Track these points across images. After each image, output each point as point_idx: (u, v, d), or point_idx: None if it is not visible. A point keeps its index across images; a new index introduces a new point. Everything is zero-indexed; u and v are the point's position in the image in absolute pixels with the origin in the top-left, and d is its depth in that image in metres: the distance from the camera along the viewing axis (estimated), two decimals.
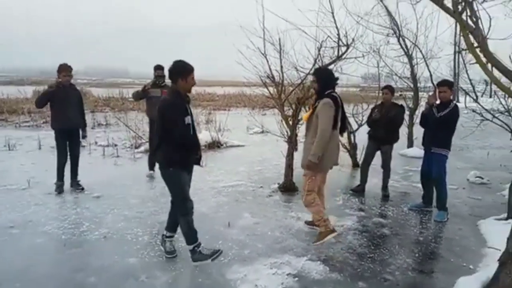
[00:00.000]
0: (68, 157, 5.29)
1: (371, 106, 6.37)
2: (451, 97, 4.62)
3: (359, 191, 5.64)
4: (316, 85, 3.78)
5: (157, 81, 6.07)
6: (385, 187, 5.50)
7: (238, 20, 5.58)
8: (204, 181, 6.01)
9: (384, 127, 5.26)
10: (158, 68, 6.14)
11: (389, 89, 5.48)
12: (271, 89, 5.85)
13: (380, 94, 5.55)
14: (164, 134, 3.18)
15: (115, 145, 8.66)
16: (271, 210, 4.78)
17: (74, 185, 5.31)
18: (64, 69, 5.04)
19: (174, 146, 3.16)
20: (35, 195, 5.08)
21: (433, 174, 4.62)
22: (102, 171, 6.56)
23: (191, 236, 3.34)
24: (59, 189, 5.12)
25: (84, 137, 5.44)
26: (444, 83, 4.58)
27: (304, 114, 4.20)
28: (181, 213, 3.35)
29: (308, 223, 4.22)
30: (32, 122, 12.62)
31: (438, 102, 4.53)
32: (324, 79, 3.77)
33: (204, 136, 9.08)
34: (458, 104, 4.58)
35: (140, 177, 5.81)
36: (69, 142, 5.25)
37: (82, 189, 5.28)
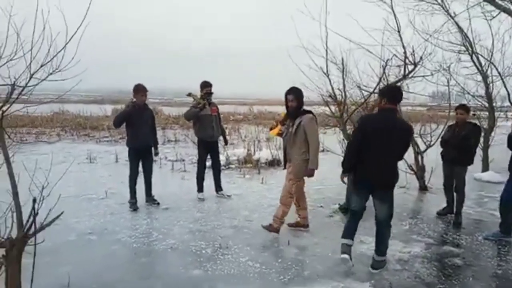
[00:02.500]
0: (142, 174, 5.55)
1: (441, 125, 6.03)
2: None
3: (446, 213, 5.40)
4: (294, 103, 4.24)
5: (205, 99, 5.76)
6: (457, 213, 5.11)
7: (301, 41, 5.67)
8: (264, 198, 6.10)
9: (456, 147, 4.98)
10: (207, 85, 5.85)
11: (464, 108, 5.15)
12: (332, 107, 5.83)
13: (454, 114, 5.25)
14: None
15: (183, 160, 9.15)
16: (331, 231, 4.69)
17: (150, 201, 5.58)
18: (140, 90, 5.29)
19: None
20: (111, 205, 5.54)
21: (503, 198, 4.24)
22: (170, 184, 6.96)
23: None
24: (134, 206, 5.36)
25: (156, 154, 5.74)
26: None
27: (272, 131, 4.64)
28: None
29: (290, 225, 4.68)
30: (111, 137, 13.84)
31: None
32: (301, 96, 4.30)
33: (264, 154, 9.25)
34: None
35: (204, 192, 6.06)
36: (142, 160, 5.49)
37: (158, 204, 5.53)
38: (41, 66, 2.24)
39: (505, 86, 7.89)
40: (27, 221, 2.13)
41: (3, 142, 2.26)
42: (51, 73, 2.30)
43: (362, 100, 5.63)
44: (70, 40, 2.21)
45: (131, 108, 5.26)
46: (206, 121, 5.80)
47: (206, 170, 6.12)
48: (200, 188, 6.02)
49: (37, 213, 2.14)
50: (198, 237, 4.38)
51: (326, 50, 5.49)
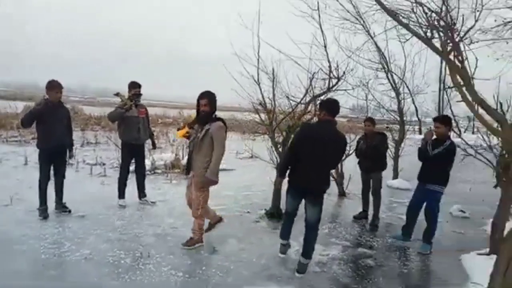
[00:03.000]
0: (53, 177, 5.06)
1: (358, 136, 6.52)
2: (448, 133, 4.57)
3: (361, 218, 5.81)
4: (207, 108, 3.99)
5: (133, 100, 5.47)
6: (375, 216, 5.59)
7: (234, 49, 5.72)
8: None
9: (370, 156, 5.54)
10: (135, 86, 5.59)
11: (371, 121, 5.78)
12: (262, 115, 5.96)
13: (363, 126, 5.91)
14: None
15: (103, 164, 8.58)
16: (257, 236, 4.76)
17: (59, 208, 5.11)
18: (54, 86, 4.82)
19: None
20: (17, 213, 4.96)
21: (427, 209, 4.64)
22: (88, 190, 6.46)
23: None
24: (44, 214, 4.86)
25: (71, 156, 5.27)
26: (437, 119, 4.66)
27: (179, 132, 4.32)
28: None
29: (206, 231, 4.46)
30: (20, 137, 12.45)
31: (434, 137, 4.61)
32: (215, 102, 4.05)
33: None
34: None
35: (126, 198, 5.73)
36: (54, 163, 5.02)
37: (69, 211, 5.08)
38: None
39: (414, 103, 8.84)
40: None
41: None
42: None
43: (290, 110, 5.84)
44: None
45: (43, 106, 4.71)
46: (132, 123, 5.52)
47: (130, 175, 5.80)
48: (122, 194, 5.67)
49: None
50: (117, 246, 4.11)
51: (258, 59, 5.60)
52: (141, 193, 5.87)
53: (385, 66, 8.78)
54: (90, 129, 16.67)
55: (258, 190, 7.22)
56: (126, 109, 5.38)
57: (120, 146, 5.80)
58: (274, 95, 5.73)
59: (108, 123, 17.42)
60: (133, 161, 5.80)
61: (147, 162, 8.00)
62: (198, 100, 4.05)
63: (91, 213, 5.12)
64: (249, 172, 9.21)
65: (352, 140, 7.48)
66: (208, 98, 4.02)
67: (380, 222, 5.63)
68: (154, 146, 6.18)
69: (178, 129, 4.37)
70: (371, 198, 5.73)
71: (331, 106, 3.77)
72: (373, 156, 5.53)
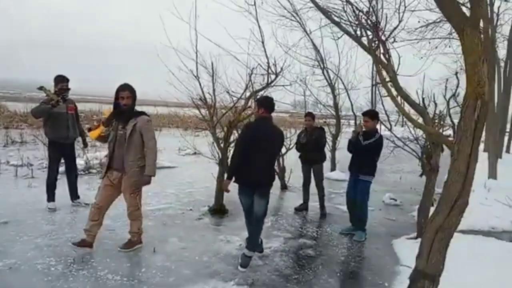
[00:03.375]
0: None
1: (299, 130, 6.72)
2: (376, 127, 4.91)
3: (302, 209, 6.00)
4: (129, 101, 3.82)
5: (60, 95, 5.12)
6: (322, 206, 5.88)
7: (171, 42, 5.55)
8: None
9: (311, 149, 5.77)
10: (63, 80, 5.23)
11: (311, 116, 6.05)
12: (203, 111, 5.88)
13: (303, 120, 6.13)
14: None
15: (31, 165, 7.89)
16: (200, 233, 4.70)
17: None
18: None
19: None
20: None
21: (358, 198, 4.90)
22: (12, 193, 5.91)
23: None
24: None
25: None
26: (366, 113, 5.00)
27: (92, 132, 3.97)
28: None
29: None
30: None
31: (364, 129, 4.89)
32: (136, 95, 3.88)
33: None
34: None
35: (57, 200, 5.33)
36: None
37: None
38: None
39: (349, 98, 9.29)
40: None
41: None
42: None
43: (231, 105, 5.83)
44: None
45: None
46: (60, 120, 5.13)
47: (60, 176, 5.40)
48: (51, 197, 5.24)
49: None
50: (47, 253, 3.81)
51: (196, 53, 5.51)
52: (73, 195, 5.49)
53: (321, 63, 9.12)
54: (15, 127, 15.26)
55: (201, 186, 7.14)
56: (53, 104, 5.00)
57: (47, 145, 5.36)
58: (214, 90, 5.68)
59: (35, 121, 16.08)
60: (63, 161, 5.41)
61: (81, 162, 7.53)
62: (117, 92, 3.79)
63: (16, 219, 4.68)
64: (191, 169, 9.06)
65: (292, 135, 7.71)
66: (129, 90, 3.82)
67: (318, 213, 5.88)
68: (85, 144, 5.82)
69: (90, 129, 3.97)
70: (311, 190, 5.95)
71: (269, 104, 3.93)
72: (314, 149, 5.75)
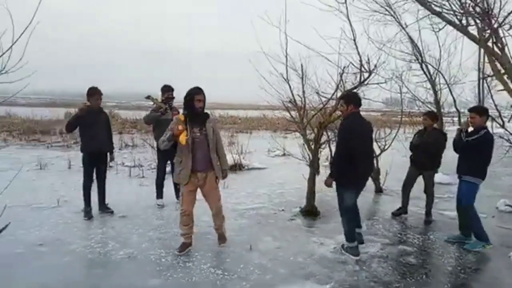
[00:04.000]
0: (95, 180, 5.33)
1: (394, 131, 6.34)
2: (484, 124, 4.39)
3: (400, 214, 5.65)
4: (203, 104, 3.96)
5: (166, 103, 5.69)
6: (428, 212, 5.46)
7: (262, 47, 5.73)
8: (226, 203, 6.03)
9: (424, 152, 5.30)
10: (169, 89, 5.79)
11: (429, 115, 5.52)
12: (293, 113, 5.94)
13: (421, 120, 5.70)
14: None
15: (141, 166, 8.87)
16: (293, 234, 4.75)
17: (103, 209, 5.35)
18: (95, 93, 5.12)
19: None
20: (63, 214, 5.25)
21: (462, 202, 4.49)
22: (127, 191, 6.72)
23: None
24: (88, 215, 5.11)
25: (111, 159, 5.51)
26: (473, 109, 4.50)
27: (182, 137, 3.86)
28: None
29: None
30: (63, 142, 13.14)
31: (471, 128, 4.44)
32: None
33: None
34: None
35: (164, 198, 5.91)
36: (96, 166, 5.28)
37: (112, 212, 5.31)
38: None
39: (451, 93, 8.47)
40: None
41: None
42: None
43: (321, 106, 5.78)
44: (16, 41, 2.07)
45: (84, 112, 5.02)
46: (167, 126, 5.67)
47: (166, 176, 5.98)
48: (160, 195, 5.85)
49: None
50: (158, 245, 4.25)
51: (286, 57, 5.59)
52: (178, 193, 6.01)
53: (419, 57, 8.47)
54: (127, 132, 17.29)
55: (292, 188, 7.20)
56: (162, 112, 5.55)
57: (156, 148, 5.97)
58: (303, 91, 5.69)
59: (143, 126, 18.02)
60: (169, 162, 5.96)
61: None
62: (192, 96, 3.90)
63: (131, 214, 5.32)
64: (281, 170, 9.20)
65: (387, 135, 7.31)
66: (203, 93, 3.97)
67: (419, 219, 5.47)
68: None
69: (175, 135, 3.90)
70: (412, 193, 5.55)
71: (358, 99, 4.12)
72: (427, 153, 5.26)
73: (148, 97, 5.78)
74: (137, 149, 12.31)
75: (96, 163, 5.26)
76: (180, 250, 4.06)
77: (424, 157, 5.31)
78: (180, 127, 3.85)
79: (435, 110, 8.70)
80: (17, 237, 4.28)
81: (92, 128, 5.08)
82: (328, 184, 4.09)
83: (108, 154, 5.42)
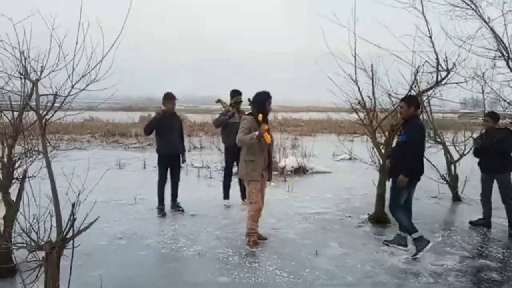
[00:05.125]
0: (169, 180, 5.65)
1: (475, 134, 5.84)
2: None
3: (480, 224, 5.20)
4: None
5: (235, 107, 5.94)
6: (511, 224, 4.92)
7: (329, 47, 5.62)
8: (291, 206, 6.05)
9: (491, 154, 4.89)
10: (237, 94, 6.05)
11: (491, 116, 5.09)
12: (361, 115, 5.74)
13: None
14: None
15: (209, 167, 9.24)
16: (360, 241, 4.59)
17: (175, 207, 5.66)
18: (170, 98, 5.49)
19: None
20: (140, 211, 5.66)
21: None
22: (197, 191, 7.04)
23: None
24: (162, 212, 5.44)
25: (183, 161, 5.83)
26: None
27: (267, 137, 4.19)
28: None
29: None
30: (139, 144, 14.19)
31: None
32: None
33: (290, 161, 9.19)
34: None
35: (230, 199, 6.08)
36: (170, 167, 5.59)
37: (182, 211, 5.60)
38: (82, 76, 2.33)
39: None
40: (66, 225, 2.20)
41: (45, 148, 2.36)
42: (89, 83, 2.39)
43: (392, 108, 5.51)
44: (108, 53, 2.29)
45: (160, 116, 5.41)
46: (234, 129, 5.82)
47: (233, 177, 6.15)
48: (226, 195, 6.05)
49: (76, 217, 2.21)
50: (225, 244, 4.39)
51: (355, 57, 5.42)
52: (243, 194, 6.15)
53: (505, 53, 7.67)
54: (195, 135, 18.12)
55: (359, 193, 6.97)
56: (230, 116, 5.77)
57: (223, 150, 6.18)
58: (373, 92, 5.48)
59: (210, 129, 18.76)
60: (235, 164, 6.13)
61: None
62: (267, 100, 4.32)
63: (200, 213, 5.57)
64: (348, 175, 8.94)
65: (466, 139, 6.74)
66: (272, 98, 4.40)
67: (502, 231, 4.95)
68: None
69: (262, 136, 4.12)
70: (495, 204, 5.05)
71: (418, 102, 4.43)
72: (494, 154, 4.84)
73: (219, 101, 6.05)
74: (205, 150, 12.84)
75: (169, 164, 5.59)
76: (253, 246, 4.24)
77: (492, 159, 4.87)
78: (266, 127, 4.15)
79: None
80: (100, 230, 4.68)
81: (166, 131, 5.44)
82: (403, 183, 4.12)
83: (180, 155, 5.73)
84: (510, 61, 7.68)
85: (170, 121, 5.51)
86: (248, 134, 4.13)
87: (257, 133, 4.10)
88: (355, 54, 5.43)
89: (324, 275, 3.64)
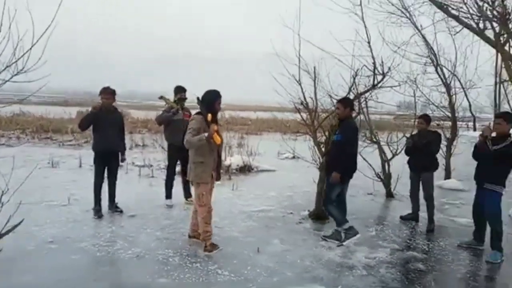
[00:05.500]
0: (106, 180, 5.35)
1: (407, 134, 6.26)
2: (510, 131, 4.23)
3: (409, 219, 5.58)
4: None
5: (179, 104, 5.76)
6: (430, 220, 5.30)
7: (275, 49, 5.72)
8: (235, 205, 6.05)
9: (419, 154, 5.26)
10: (181, 90, 5.86)
11: (424, 118, 5.46)
12: (304, 115, 5.90)
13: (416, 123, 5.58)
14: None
15: (151, 166, 8.94)
16: (301, 237, 4.72)
17: (112, 208, 5.37)
18: (108, 92, 5.14)
19: None
20: (74, 212, 5.30)
21: (485, 211, 4.36)
22: (137, 191, 6.76)
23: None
24: (98, 214, 5.14)
25: (123, 160, 5.55)
26: (500, 115, 4.41)
27: (217, 138, 3.98)
28: None
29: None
30: (75, 141, 13.32)
31: (493, 134, 4.29)
32: None
33: (235, 160, 9.20)
34: None
35: (173, 199, 5.93)
36: (107, 165, 5.30)
37: (121, 211, 5.33)
38: (6, 67, 2.12)
39: (467, 98, 8.34)
40: None
41: None
42: (15, 74, 2.17)
43: (333, 108, 5.73)
44: (37, 41, 2.10)
45: (97, 110, 5.08)
46: (178, 126, 5.70)
47: (175, 177, 6.00)
48: (169, 195, 5.88)
49: None
50: (166, 245, 4.27)
51: (299, 59, 5.57)
52: (187, 193, 6.04)
53: (434, 60, 8.36)
54: (138, 132, 17.44)
55: (301, 191, 7.16)
56: (174, 112, 5.61)
57: (166, 148, 6.01)
58: (315, 94, 5.66)
59: (153, 126, 18.14)
60: (178, 163, 5.99)
61: None
62: (216, 99, 4.16)
63: (140, 213, 5.35)
64: (291, 173, 9.16)
65: (399, 139, 7.22)
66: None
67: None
68: None
69: (210, 137, 3.91)
70: (421, 199, 5.47)
71: (353, 104, 4.82)
72: (422, 155, 5.24)
73: (161, 97, 5.85)
74: (147, 148, 12.40)
75: (107, 162, 5.29)
76: (212, 249, 4.08)
77: (419, 159, 5.26)
78: (215, 127, 3.96)
79: (449, 114, 8.59)
80: (28, 234, 4.32)
81: (104, 127, 5.11)
82: (336, 180, 4.41)
83: (120, 154, 5.45)
84: (438, 67, 8.40)
85: (109, 117, 5.19)
86: (197, 135, 3.95)
87: (206, 134, 3.92)
88: (299, 55, 5.58)
89: (265, 272, 3.68)
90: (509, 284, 3.69)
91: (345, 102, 4.62)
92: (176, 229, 4.78)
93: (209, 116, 4.06)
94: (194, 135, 3.96)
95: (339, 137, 4.52)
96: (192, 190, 6.54)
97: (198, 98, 4.24)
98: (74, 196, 5.98)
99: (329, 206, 4.65)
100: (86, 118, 5.19)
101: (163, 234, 4.59)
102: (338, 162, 4.44)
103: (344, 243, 4.43)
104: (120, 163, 5.60)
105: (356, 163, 4.64)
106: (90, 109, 5.34)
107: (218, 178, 4.40)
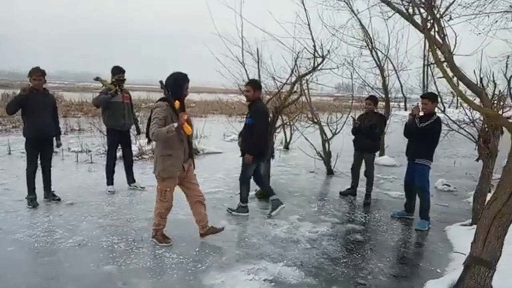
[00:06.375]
0: (40, 167, 5.00)
1: (345, 115, 6.61)
2: (435, 110, 4.68)
3: (348, 194, 5.91)
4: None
5: (116, 85, 5.44)
6: (367, 195, 5.68)
7: (217, 29, 5.64)
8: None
9: (365, 135, 5.53)
10: (119, 71, 5.55)
11: (372, 99, 5.73)
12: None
13: (364, 104, 5.85)
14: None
15: (89, 151, 8.49)
16: (247, 216, 4.84)
17: (49, 196, 5.06)
18: (35, 72, 4.72)
19: None
20: (5, 202, 4.91)
21: (415, 184, 4.76)
22: (75, 177, 6.41)
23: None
24: (33, 203, 4.81)
25: (58, 145, 5.19)
26: (425, 96, 4.80)
27: (187, 128, 3.52)
28: None
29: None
30: (1, 126, 12.16)
31: (421, 113, 4.69)
32: None
33: None
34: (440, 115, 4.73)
35: (115, 185, 5.72)
36: (41, 152, 4.95)
37: (58, 199, 5.04)
38: None
39: (398, 79, 8.95)
40: None
41: None
42: None
43: (276, 90, 5.85)
44: None
45: (27, 93, 4.66)
46: (117, 109, 5.46)
47: (117, 161, 5.78)
48: (110, 181, 5.65)
49: None
50: (110, 232, 4.14)
51: (242, 40, 5.56)
52: (130, 178, 5.86)
53: (369, 43, 8.81)
54: (72, 115, 16.36)
55: None
56: (112, 94, 5.34)
57: (105, 132, 5.74)
58: (259, 76, 5.73)
59: (90, 109, 17.11)
60: (119, 147, 5.76)
61: (134, 148, 7.95)
62: (184, 83, 3.72)
63: (80, 201, 5.11)
64: (237, 154, 9.18)
65: (338, 119, 7.59)
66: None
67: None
68: (138, 131, 6.22)
69: (179, 127, 3.45)
70: (361, 175, 5.83)
71: (261, 86, 4.85)
72: (369, 135, 5.49)
73: (97, 79, 5.51)
74: (84, 133, 11.72)
75: (40, 148, 4.92)
76: (163, 241, 3.87)
77: (364, 140, 5.55)
78: (185, 116, 3.49)
79: (383, 95, 9.17)
80: None
81: (36, 111, 4.71)
82: (249, 160, 4.63)
83: (54, 139, 5.10)
84: (373, 50, 8.87)
85: (40, 100, 4.78)
86: (164, 125, 3.46)
87: (175, 124, 3.42)
88: (242, 36, 5.57)
89: (214, 252, 3.75)
90: (436, 249, 4.13)
91: (254, 84, 4.68)
92: (120, 215, 4.65)
93: (177, 103, 3.56)
94: (160, 125, 3.46)
95: (249, 121, 4.62)
96: (142, 175, 6.37)
97: (161, 82, 3.70)
98: (4, 186, 5.56)
99: (243, 184, 4.89)
100: (14, 101, 4.74)
101: (106, 221, 4.44)
102: (250, 145, 4.61)
103: (272, 214, 4.76)
104: (55, 149, 5.25)
105: (268, 146, 4.86)
106: (18, 91, 4.88)
107: (193, 167, 4.06)
